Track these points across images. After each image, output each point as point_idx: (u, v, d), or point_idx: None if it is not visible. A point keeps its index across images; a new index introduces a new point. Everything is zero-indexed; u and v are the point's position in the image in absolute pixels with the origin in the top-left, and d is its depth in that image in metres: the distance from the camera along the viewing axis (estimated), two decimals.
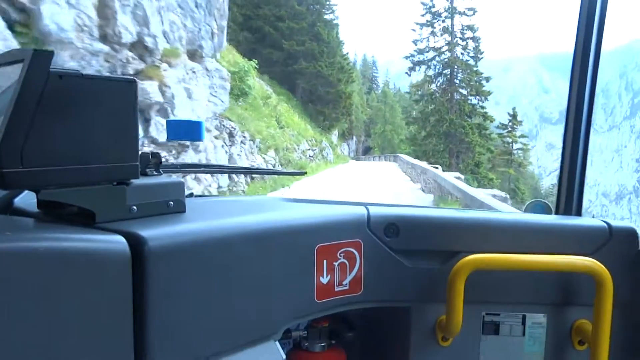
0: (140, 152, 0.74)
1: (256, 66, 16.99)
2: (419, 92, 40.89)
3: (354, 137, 52.49)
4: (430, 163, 24.07)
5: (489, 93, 38.87)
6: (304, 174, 1.61)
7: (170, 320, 0.68)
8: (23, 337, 0.54)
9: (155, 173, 0.84)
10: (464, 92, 38.64)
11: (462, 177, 9.01)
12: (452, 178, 10.32)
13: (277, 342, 0.86)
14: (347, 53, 42.27)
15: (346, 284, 1.00)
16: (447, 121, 36.65)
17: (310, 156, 23.79)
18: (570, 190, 1.28)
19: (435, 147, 36.89)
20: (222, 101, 11.91)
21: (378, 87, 71.70)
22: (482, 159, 35.73)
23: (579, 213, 1.28)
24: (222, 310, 0.75)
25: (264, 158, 13.91)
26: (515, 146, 39.12)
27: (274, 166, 14.19)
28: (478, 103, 38.10)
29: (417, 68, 40.76)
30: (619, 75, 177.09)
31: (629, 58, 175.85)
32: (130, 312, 0.64)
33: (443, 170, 16.65)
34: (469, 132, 35.80)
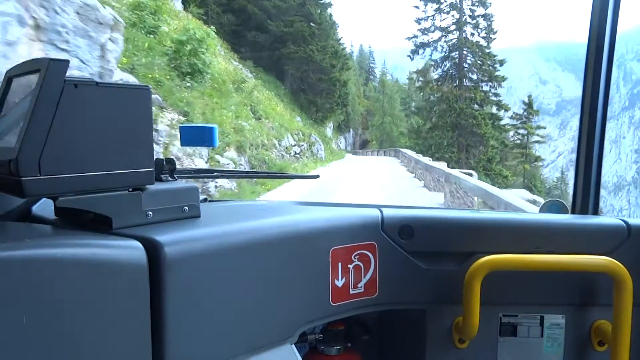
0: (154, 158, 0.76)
1: (215, 33, 12.85)
2: (422, 79, 36.77)
3: (351, 130, 49.27)
4: (439, 160, 20.39)
5: (503, 79, 34.78)
6: (317, 177, 1.53)
7: (187, 325, 0.69)
8: (40, 343, 0.54)
9: (169, 179, 0.85)
10: (475, 77, 34.47)
11: (537, 200, 5.51)
12: (517, 198, 6.31)
13: (293, 346, 0.87)
14: (342, 38, 38.08)
15: (361, 286, 1.00)
16: (456, 110, 32.52)
17: (296, 153, 19.53)
18: (587, 189, 1.27)
19: (442, 140, 32.90)
20: (89, 67, 6.16)
21: (375, 79, 67.91)
22: (494, 153, 31.79)
23: (595, 212, 1.27)
24: (238, 314, 0.77)
25: (217, 161, 9.49)
26: (531, 139, 35.13)
27: None
28: (491, 90, 34.00)
29: (420, 51, 36.53)
30: (617, 66, 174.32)
31: (627, 48, 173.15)
32: (148, 317, 0.65)
33: (452, 168, 12.72)
34: (481, 123, 31.77)
